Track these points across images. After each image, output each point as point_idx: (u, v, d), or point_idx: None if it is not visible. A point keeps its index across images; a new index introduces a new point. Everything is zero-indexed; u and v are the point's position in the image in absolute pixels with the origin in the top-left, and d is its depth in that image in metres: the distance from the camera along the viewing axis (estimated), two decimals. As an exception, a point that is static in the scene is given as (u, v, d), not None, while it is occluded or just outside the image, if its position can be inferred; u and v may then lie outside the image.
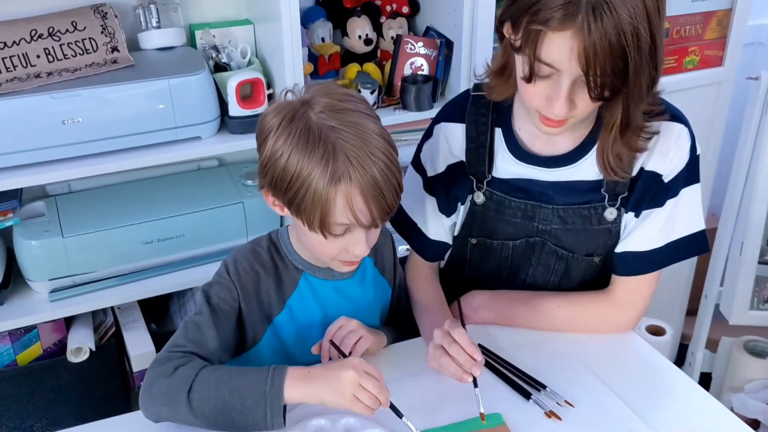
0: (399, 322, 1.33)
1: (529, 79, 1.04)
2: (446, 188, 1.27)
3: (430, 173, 1.29)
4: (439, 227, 1.31)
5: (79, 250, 1.65)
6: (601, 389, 1.12)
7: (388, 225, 1.27)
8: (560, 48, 0.97)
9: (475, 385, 1.06)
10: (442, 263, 1.39)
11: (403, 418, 1.02)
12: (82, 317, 1.75)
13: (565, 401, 1.09)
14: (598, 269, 1.26)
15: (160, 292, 1.75)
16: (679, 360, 2.35)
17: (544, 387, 1.12)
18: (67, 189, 1.81)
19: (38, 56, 1.59)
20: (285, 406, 1.00)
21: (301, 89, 1.06)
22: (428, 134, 1.30)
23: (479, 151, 1.23)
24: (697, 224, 1.20)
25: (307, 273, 1.17)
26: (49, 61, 1.60)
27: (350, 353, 1.12)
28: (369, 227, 1.04)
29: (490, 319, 1.28)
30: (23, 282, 1.67)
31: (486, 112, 1.22)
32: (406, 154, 1.93)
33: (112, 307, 1.79)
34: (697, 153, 1.18)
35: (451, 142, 1.25)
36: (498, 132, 1.23)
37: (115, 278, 1.71)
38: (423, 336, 1.26)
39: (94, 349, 1.68)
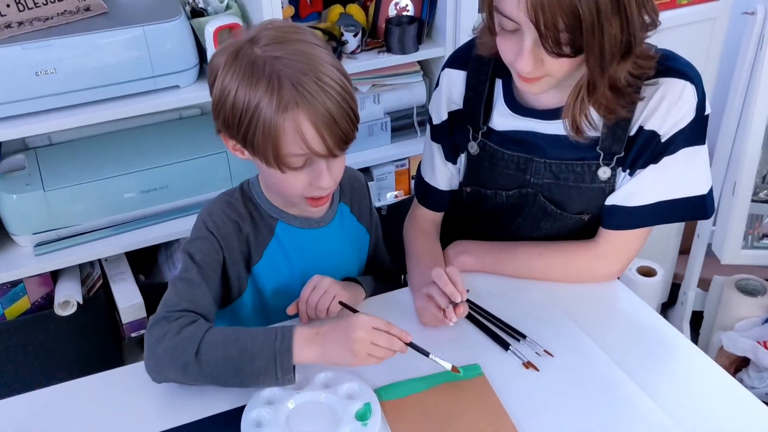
0: (377, 272, 1.32)
1: (493, 31, 1.03)
2: (449, 135, 1.27)
3: (435, 121, 1.28)
4: (446, 176, 1.31)
5: (62, 203, 1.63)
6: (581, 339, 1.12)
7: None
8: (511, 0, 0.96)
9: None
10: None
11: (431, 355, 1.02)
12: (69, 270, 1.74)
13: (545, 351, 1.09)
14: (586, 227, 1.24)
15: (146, 244, 1.74)
16: (672, 299, 2.36)
17: (523, 337, 1.12)
18: (47, 141, 1.78)
19: (8, 5, 1.54)
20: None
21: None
22: (437, 82, 1.29)
23: (476, 100, 1.21)
24: (697, 187, 1.14)
25: (282, 222, 1.16)
26: (20, 10, 1.55)
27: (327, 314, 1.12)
28: (326, 156, 1.01)
29: (470, 265, 1.27)
30: (7, 236, 1.66)
31: (488, 62, 1.19)
32: (391, 99, 1.92)
33: (99, 260, 1.79)
34: (706, 113, 1.11)
35: (452, 89, 1.24)
36: (498, 83, 1.20)
37: (100, 231, 1.71)
38: (410, 286, 1.25)
39: (81, 302, 1.68)
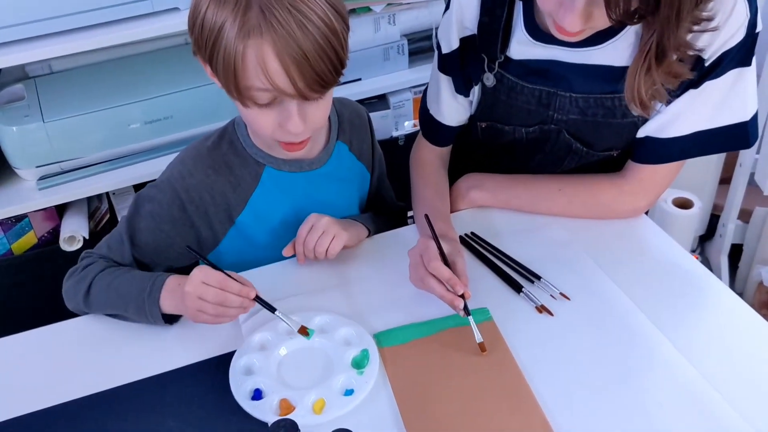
0: (380, 210, 1.23)
1: None
2: (461, 66, 1.12)
3: (444, 50, 1.13)
4: (453, 111, 1.18)
5: (63, 135, 1.57)
6: (602, 281, 1.02)
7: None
8: None
9: (467, 313, 0.93)
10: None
11: (276, 312, 0.94)
12: (76, 205, 1.69)
13: (561, 294, 1.00)
14: (615, 163, 1.13)
15: (153, 177, 1.64)
16: (710, 231, 2.24)
17: (538, 278, 1.03)
18: (47, 70, 1.70)
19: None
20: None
21: None
22: (447, 5, 1.13)
23: (493, 26, 1.06)
24: (740, 113, 1.01)
25: (269, 167, 1.07)
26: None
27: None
28: (294, 96, 0.90)
29: (483, 200, 1.17)
30: (10, 170, 1.61)
31: None
32: (408, 20, 1.78)
33: (107, 194, 1.73)
34: (757, 30, 0.97)
35: (465, 12, 1.08)
36: (518, 6, 1.05)
37: (106, 163, 1.64)
38: (416, 223, 1.16)
39: (87, 237, 1.64)
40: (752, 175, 2.01)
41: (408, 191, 1.24)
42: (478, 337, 0.91)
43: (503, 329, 0.95)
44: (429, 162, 1.22)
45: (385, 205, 1.26)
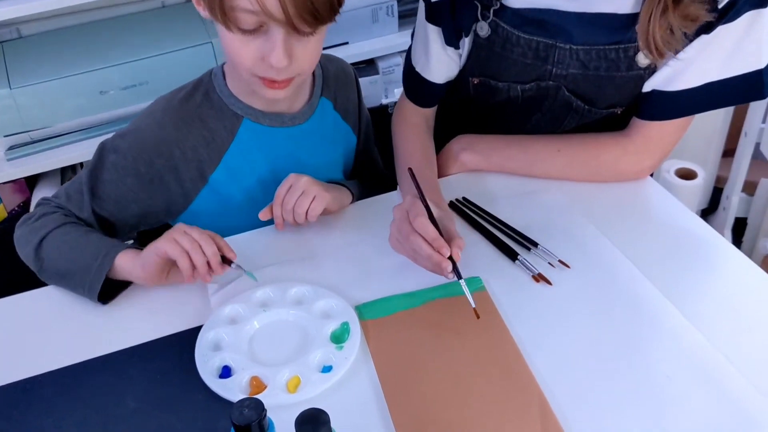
0: (367, 176, 1.14)
1: None
2: (452, 14, 1.03)
3: None
4: (443, 65, 1.08)
5: (32, 103, 1.48)
6: (604, 247, 0.94)
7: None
8: None
9: (458, 277, 0.85)
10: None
11: (232, 264, 0.88)
12: (48, 177, 1.61)
13: (559, 261, 0.92)
14: (618, 121, 1.05)
15: (130, 147, 1.58)
16: (713, 205, 2.15)
17: (535, 245, 0.95)
18: (15, 35, 1.62)
19: None
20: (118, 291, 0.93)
21: None
22: None
23: None
24: (755, 60, 0.92)
25: (248, 119, 0.98)
26: None
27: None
28: (282, 23, 0.81)
29: (475, 163, 1.09)
30: (-23, 140, 1.52)
31: None
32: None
33: (81, 165, 1.64)
34: None
35: None
36: None
37: (78, 132, 1.55)
38: (400, 190, 1.07)
39: (59, 210, 1.55)
40: (757, 145, 1.93)
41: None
42: (472, 303, 0.83)
43: (497, 300, 0.87)
44: (414, 125, 1.13)
45: (372, 174, 1.18)
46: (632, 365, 0.78)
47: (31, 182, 1.59)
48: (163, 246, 0.85)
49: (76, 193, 0.97)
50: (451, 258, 0.84)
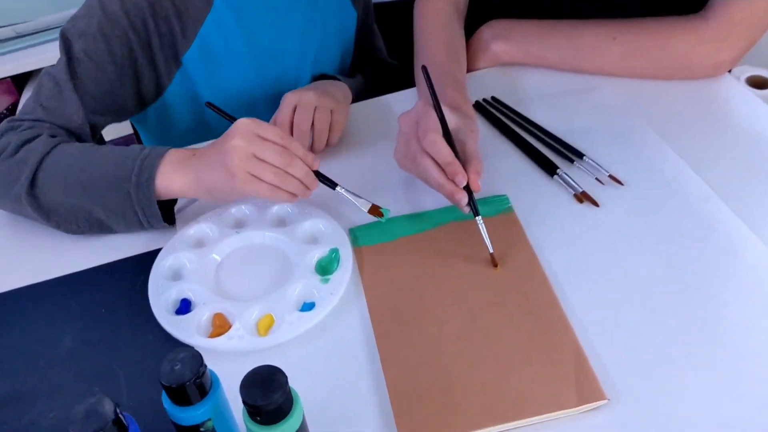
0: (368, 67, 0.95)
1: None
2: None
3: None
4: None
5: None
6: (669, 160, 0.75)
7: None
8: None
9: (475, 213, 0.67)
10: None
11: (337, 188, 0.70)
12: (37, 76, 1.45)
13: (610, 176, 0.73)
14: (692, 5, 0.83)
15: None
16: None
17: (579, 156, 0.76)
18: None
19: None
20: (175, 201, 0.74)
21: None
22: None
23: None
24: None
25: None
26: None
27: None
28: None
29: (510, 54, 0.90)
30: (-42, 36, 1.37)
31: None
32: None
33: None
34: None
35: None
36: None
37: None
38: (417, 86, 0.88)
39: (49, 113, 1.40)
40: None
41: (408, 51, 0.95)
42: (490, 247, 0.65)
43: (527, 224, 0.69)
44: (439, 10, 0.92)
45: (375, 59, 0.98)
46: (699, 312, 0.60)
47: (20, 83, 1.45)
48: (243, 187, 0.65)
49: (55, 100, 0.77)
50: (467, 188, 0.66)
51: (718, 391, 0.54)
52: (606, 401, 0.54)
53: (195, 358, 0.48)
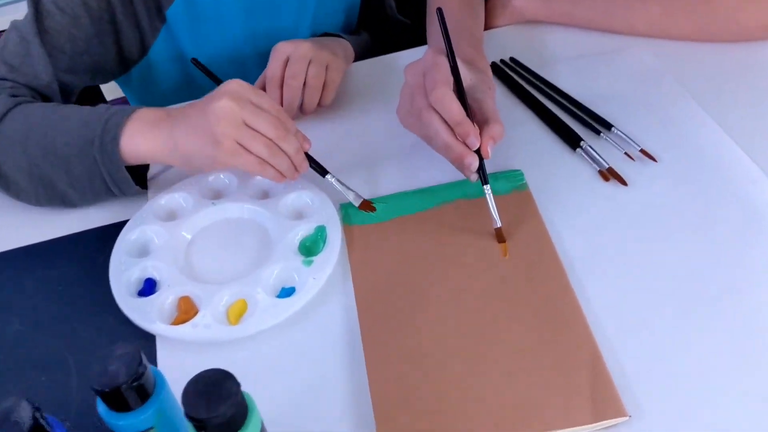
0: (375, 24, 0.87)
1: None
2: None
3: None
4: None
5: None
6: (711, 133, 0.65)
7: None
8: None
9: (483, 181, 0.58)
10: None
11: (327, 176, 0.62)
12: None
13: (641, 151, 0.64)
14: None
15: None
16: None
17: (608, 127, 0.66)
18: None
19: None
20: (147, 167, 0.66)
21: None
22: None
23: None
24: None
25: None
26: None
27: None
28: None
29: (532, 11, 0.82)
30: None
31: None
32: None
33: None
34: None
35: None
36: None
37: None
38: (429, 44, 0.79)
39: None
40: None
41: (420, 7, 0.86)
42: (496, 221, 0.57)
43: (543, 204, 0.60)
44: None
45: (382, 16, 0.89)
46: (741, 317, 0.51)
47: None
48: (227, 158, 0.57)
49: (20, 57, 0.69)
50: (478, 152, 0.57)
51: (760, 415, 0.45)
52: (627, 418, 0.45)
53: (134, 357, 0.40)
